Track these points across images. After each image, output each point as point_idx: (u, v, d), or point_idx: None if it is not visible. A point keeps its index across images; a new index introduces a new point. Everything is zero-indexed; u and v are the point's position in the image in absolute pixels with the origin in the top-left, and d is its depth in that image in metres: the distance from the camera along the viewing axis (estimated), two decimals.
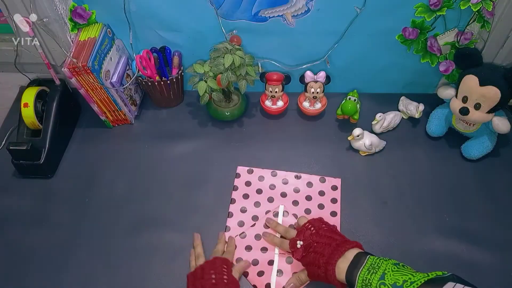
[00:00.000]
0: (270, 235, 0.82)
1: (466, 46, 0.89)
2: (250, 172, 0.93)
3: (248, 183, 0.92)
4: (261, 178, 0.92)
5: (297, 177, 0.93)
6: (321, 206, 0.88)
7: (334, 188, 0.91)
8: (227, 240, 0.83)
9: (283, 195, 0.90)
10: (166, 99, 1.06)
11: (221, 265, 0.74)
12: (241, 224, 0.85)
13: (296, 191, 0.90)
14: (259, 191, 0.91)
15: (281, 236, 0.82)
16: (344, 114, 0.99)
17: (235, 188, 0.91)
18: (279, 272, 0.79)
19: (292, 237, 0.76)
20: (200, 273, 0.73)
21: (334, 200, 0.89)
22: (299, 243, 0.73)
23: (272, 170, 0.93)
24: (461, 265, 0.78)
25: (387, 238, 0.82)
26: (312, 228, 0.74)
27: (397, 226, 0.84)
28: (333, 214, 0.87)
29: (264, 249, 0.82)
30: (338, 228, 0.84)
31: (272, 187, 0.91)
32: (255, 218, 0.86)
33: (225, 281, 0.71)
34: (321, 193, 0.90)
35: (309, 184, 0.91)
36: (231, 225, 0.85)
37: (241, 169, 0.94)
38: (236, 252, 0.81)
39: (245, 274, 0.79)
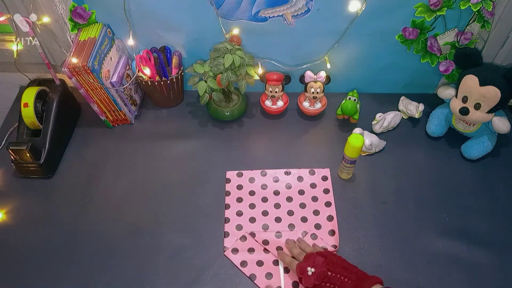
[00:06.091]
0: (283, 253, 0.79)
1: (466, 46, 0.89)
2: (239, 175, 0.93)
3: (239, 187, 0.91)
4: (251, 180, 0.92)
5: (287, 173, 0.92)
6: (314, 199, 0.88)
7: (324, 178, 0.91)
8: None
9: (276, 193, 0.90)
10: (166, 99, 1.05)
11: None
12: (239, 228, 0.85)
13: (288, 187, 0.90)
14: (251, 193, 0.90)
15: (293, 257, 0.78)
16: (344, 114, 0.99)
17: (227, 194, 0.90)
18: (286, 269, 0.78)
19: (300, 262, 0.72)
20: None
21: (326, 191, 0.89)
22: (310, 270, 0.69)
23: (261, 170, 0.93)
24: (461, 265, 0.78)
25: (387, 238, 0.82)
26: (321, 256, 0.70)
27: (397, 226, 0.84)
28: (328, 204, 0.87)
29: (267, 250, 0.81)
30: (336, 225, 0.84)
31: (264, 187, 0.91)
32: (252, 220, 0.86)
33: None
34: (313, 186, 0.90)
35: (300, 179, 0.91)
36: (229, 230, 0.84)
37: (231, 174, 0.93)
38: (239, 255, 0.81)
39: (253, 277, 0.78)
